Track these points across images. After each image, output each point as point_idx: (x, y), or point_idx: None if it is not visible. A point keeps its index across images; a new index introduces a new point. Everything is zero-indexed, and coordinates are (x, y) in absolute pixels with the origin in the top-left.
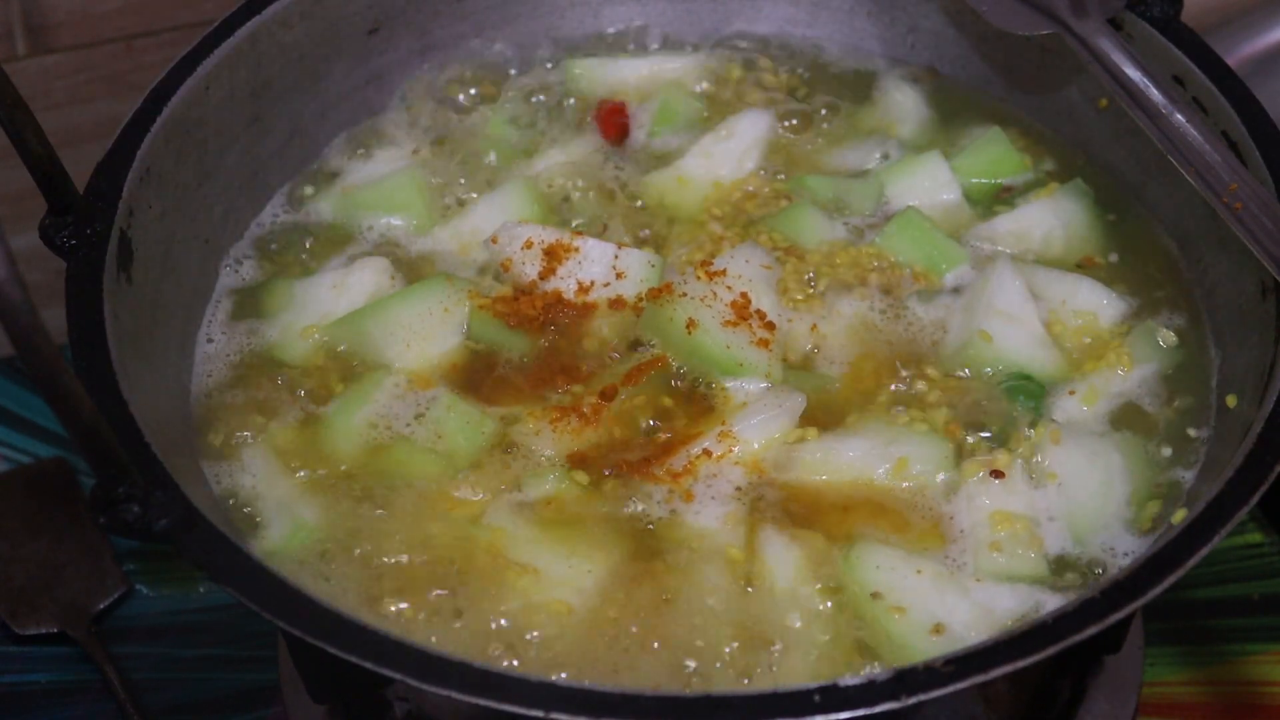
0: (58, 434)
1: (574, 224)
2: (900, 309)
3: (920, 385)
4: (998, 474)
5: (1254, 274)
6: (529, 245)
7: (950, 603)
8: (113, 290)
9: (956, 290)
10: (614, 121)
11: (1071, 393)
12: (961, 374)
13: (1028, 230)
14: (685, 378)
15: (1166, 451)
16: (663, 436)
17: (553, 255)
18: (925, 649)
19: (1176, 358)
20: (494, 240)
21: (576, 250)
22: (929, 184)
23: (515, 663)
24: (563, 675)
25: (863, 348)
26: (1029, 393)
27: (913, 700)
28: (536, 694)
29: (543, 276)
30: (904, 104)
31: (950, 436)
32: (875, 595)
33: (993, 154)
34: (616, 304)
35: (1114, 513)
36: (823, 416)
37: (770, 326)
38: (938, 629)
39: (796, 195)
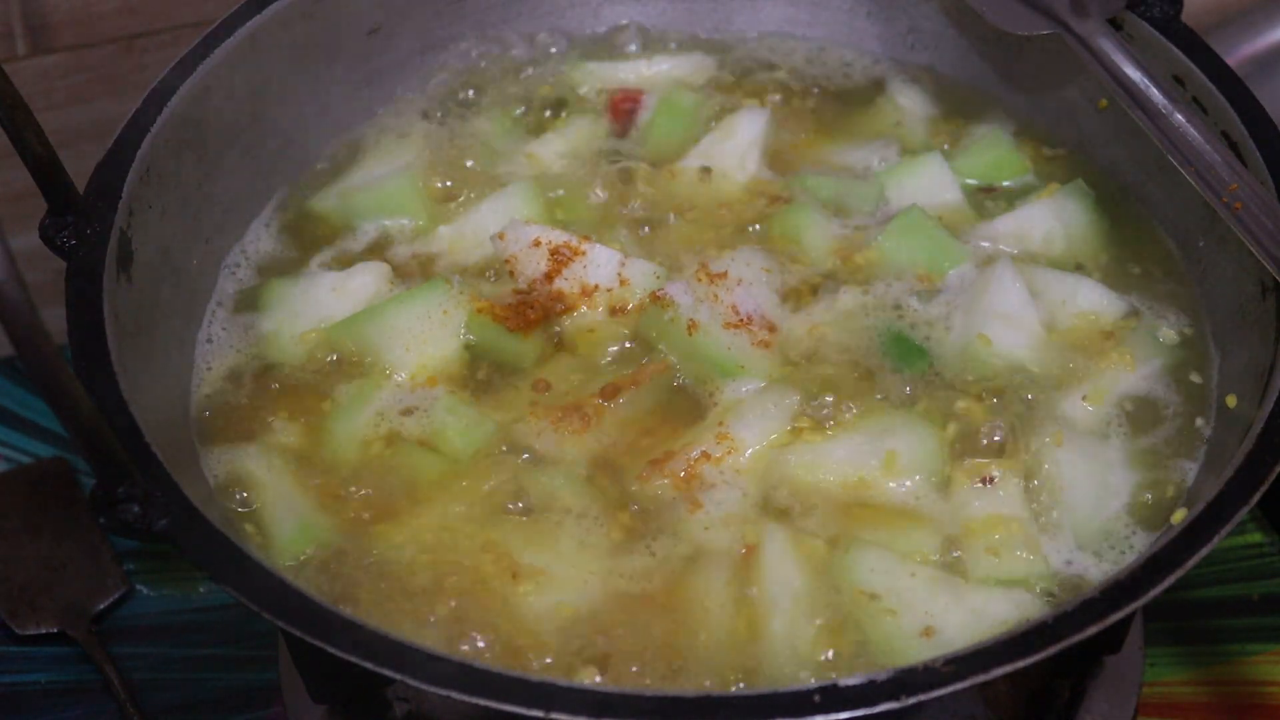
0: (58, 434)
1: (574, 225)
2: (901, 309)
3: (920, 386)
4: (989, 479)
5: (1254, 274)
6: (536, 244)
7: (943, 605)
8: (113, 290)
9: (958, 290)
10: (624, 109)
11: (1084, 398)
12: (961, 376)
13: (1028, 230)
14: (686, 379)
15: (1166, 452)
16: (663, 438)
17: (559, 257)
18: (914, 652)
19: (1176, 357)
20: (501, 236)
21: (583, 254)
22: (929, 184)
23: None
24: (565, 676)
25: (863, 348)
26: (905, 354)
27: (913, 700)
28: (536, 694)
29: (548, 277)
30: (904, 104)
31: (948, 436)
32: (872, 596)
33: (993, 155)
34: (618, 310)
35: (1113, 514)
36: (821, 417)
37: (771, 327)
38: (928, 632)
39: (797, 196)
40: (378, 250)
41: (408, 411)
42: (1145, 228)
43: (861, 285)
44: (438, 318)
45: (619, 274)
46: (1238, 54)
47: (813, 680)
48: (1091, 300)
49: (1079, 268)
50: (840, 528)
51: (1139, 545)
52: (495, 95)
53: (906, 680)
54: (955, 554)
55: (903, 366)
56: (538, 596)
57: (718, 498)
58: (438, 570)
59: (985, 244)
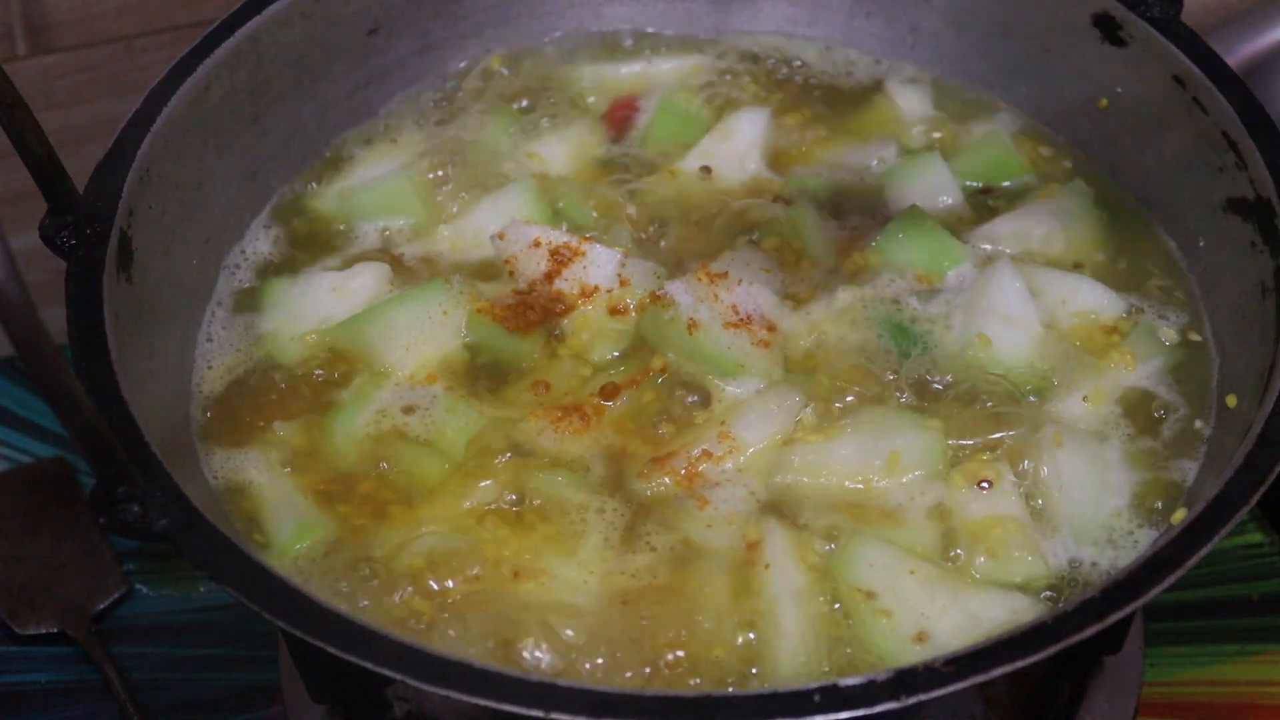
0: (58, 434)
1: (574, 225)
2: (901, 309)
3: (919, 386)
4: (988, 480)
5: (1254, 274)
6: (536, 244)
7: (940, 607)
8: (113, 290)
9: (958, 289)
10: (623, 109)
11: (1084, 398)
12: (961, 376)
13: (1028, 230)
14: (686, 379)
15: (1166, 452)
16: (664, 437)
17: (559, 257)
18: (906, 654)
19: (1176, 357)
20: (501, 236)
21: (583, 254)
22: (928, 185)
23: (519, 663)
24: (566, 676)
25: (862, 348)
26: (902, 338)
27: (912, 700)
28: (536, 694)
29: (548, 278)
30: (904, 105)
31: (948, 437)
32: (869, 595)
33: (992, 155)
34: (618, 310)
35: (1113, 514)
36: (821, 416)
37: (771, 327)
38: (921, 635)
39: (796, 196)
40: (377, 250)
41: (408, 410)
42: (1145, 228)
43: (861, 285)
44: (437, 318)
45: (619, 274)
46: (1238, 54)
47: (812, 680)
48: (1091, 300)
49: (1079, 267)
50: (840, 527)
51: (1138, 545)
52: (495, 95)
53: (906, 680)
54: (954, 555)
55: (900, 348)
56: (538, 595)
57: (719, 496)
58: (438, 569)
59: (985, 244)
